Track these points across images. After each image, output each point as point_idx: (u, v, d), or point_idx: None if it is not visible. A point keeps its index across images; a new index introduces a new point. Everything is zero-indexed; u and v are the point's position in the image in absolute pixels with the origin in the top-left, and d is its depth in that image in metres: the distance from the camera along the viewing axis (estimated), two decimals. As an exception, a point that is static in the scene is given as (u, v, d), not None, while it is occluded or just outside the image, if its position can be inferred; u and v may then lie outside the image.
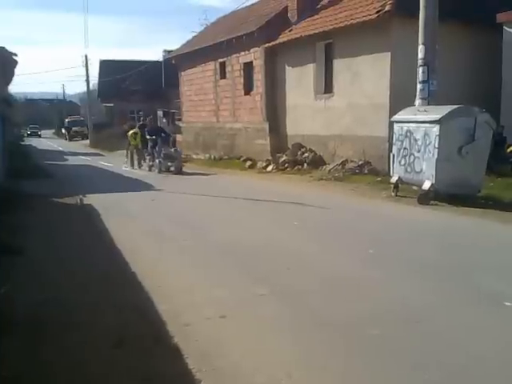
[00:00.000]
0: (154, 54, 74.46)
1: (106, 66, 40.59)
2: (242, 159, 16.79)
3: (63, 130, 51.28)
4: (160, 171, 15.09)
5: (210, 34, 20.79)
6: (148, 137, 16.00)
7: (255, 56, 16.60)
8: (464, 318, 3.67)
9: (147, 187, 11.77)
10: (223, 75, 18.85)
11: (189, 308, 3.96)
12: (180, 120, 23.66)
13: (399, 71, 11.24)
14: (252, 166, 15.70)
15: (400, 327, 3.50)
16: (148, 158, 16.55)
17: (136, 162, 17.44)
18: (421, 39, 9.35)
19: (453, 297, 4.09)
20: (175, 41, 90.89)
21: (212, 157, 18.64)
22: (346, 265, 5.13)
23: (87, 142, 38.09)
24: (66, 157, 24.53)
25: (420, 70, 9.41)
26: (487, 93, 11.36)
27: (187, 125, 22.33)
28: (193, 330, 3.50)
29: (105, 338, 3.43)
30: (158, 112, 25.80)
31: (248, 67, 17.21)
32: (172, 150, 15.37)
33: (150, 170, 16.09)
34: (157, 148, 15.22)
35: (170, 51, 26.60)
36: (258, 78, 16.56)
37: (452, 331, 3.44)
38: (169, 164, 15.00)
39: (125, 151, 22.00)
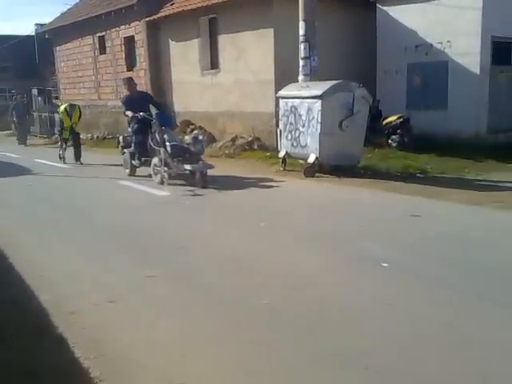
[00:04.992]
0: (26, 29, 68.29)
1: (-30, 41, 36.60)
2: (127, 138, 16.15)
3: None
4: (162, 181, 8.14)
5: (86, 6, 19.51)
6: (128, 113, 8.91)
7: (136, 30, 15.92)
8: (345, 280, 3.94)
9: (23, 171, 10.89)
10: (103, 50, 17.89)
11: (74, 296, 3.74)
12: (57, 98, 22.13)
13: (283, 47, 11.42)
14: (139, 145, 15.18)
15: (288, 295, 3.63)
16: (128, 152, 9.21)
17: (63, 154, 11.87)
18: (301, 15, 9.55)
19: (336, 262, 4.33)
20: (48, 14, 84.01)
21: (95, 137, 17.73)
22: (239, 239, 5.19)
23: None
24: None
25: (301, 46, 9.62)
26: (364, 68, 12.00)
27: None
28: (79, 318, 3.32)
29: (-21, 336, 3.13)
30: (33, 90, 23.82)
31: (129, 42, 16.48)
32: (187, 137, 8.74)
33: (130, 173, 9.27)
34: (157, 136, 8.28)
35: (42, 25, 24.63)
36: (141, 53, 15.94)
37: (334, 293, 3.68)
38: (185, 167, 7.93)
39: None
